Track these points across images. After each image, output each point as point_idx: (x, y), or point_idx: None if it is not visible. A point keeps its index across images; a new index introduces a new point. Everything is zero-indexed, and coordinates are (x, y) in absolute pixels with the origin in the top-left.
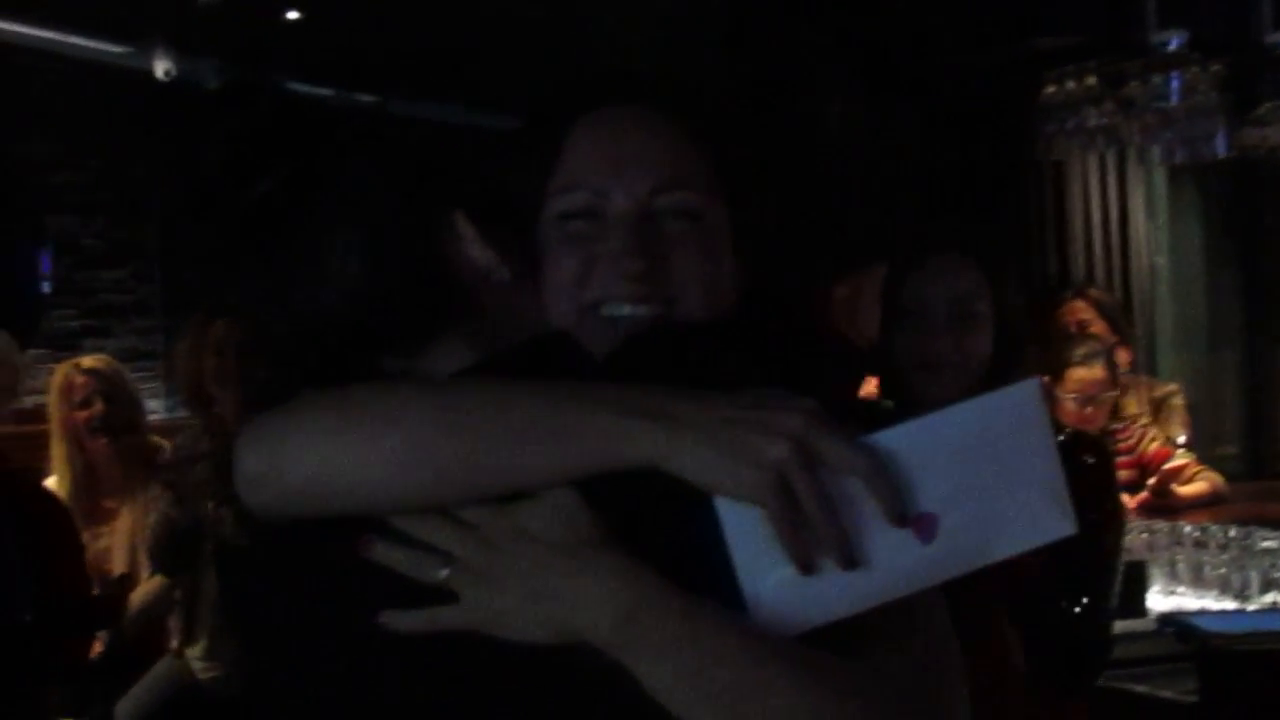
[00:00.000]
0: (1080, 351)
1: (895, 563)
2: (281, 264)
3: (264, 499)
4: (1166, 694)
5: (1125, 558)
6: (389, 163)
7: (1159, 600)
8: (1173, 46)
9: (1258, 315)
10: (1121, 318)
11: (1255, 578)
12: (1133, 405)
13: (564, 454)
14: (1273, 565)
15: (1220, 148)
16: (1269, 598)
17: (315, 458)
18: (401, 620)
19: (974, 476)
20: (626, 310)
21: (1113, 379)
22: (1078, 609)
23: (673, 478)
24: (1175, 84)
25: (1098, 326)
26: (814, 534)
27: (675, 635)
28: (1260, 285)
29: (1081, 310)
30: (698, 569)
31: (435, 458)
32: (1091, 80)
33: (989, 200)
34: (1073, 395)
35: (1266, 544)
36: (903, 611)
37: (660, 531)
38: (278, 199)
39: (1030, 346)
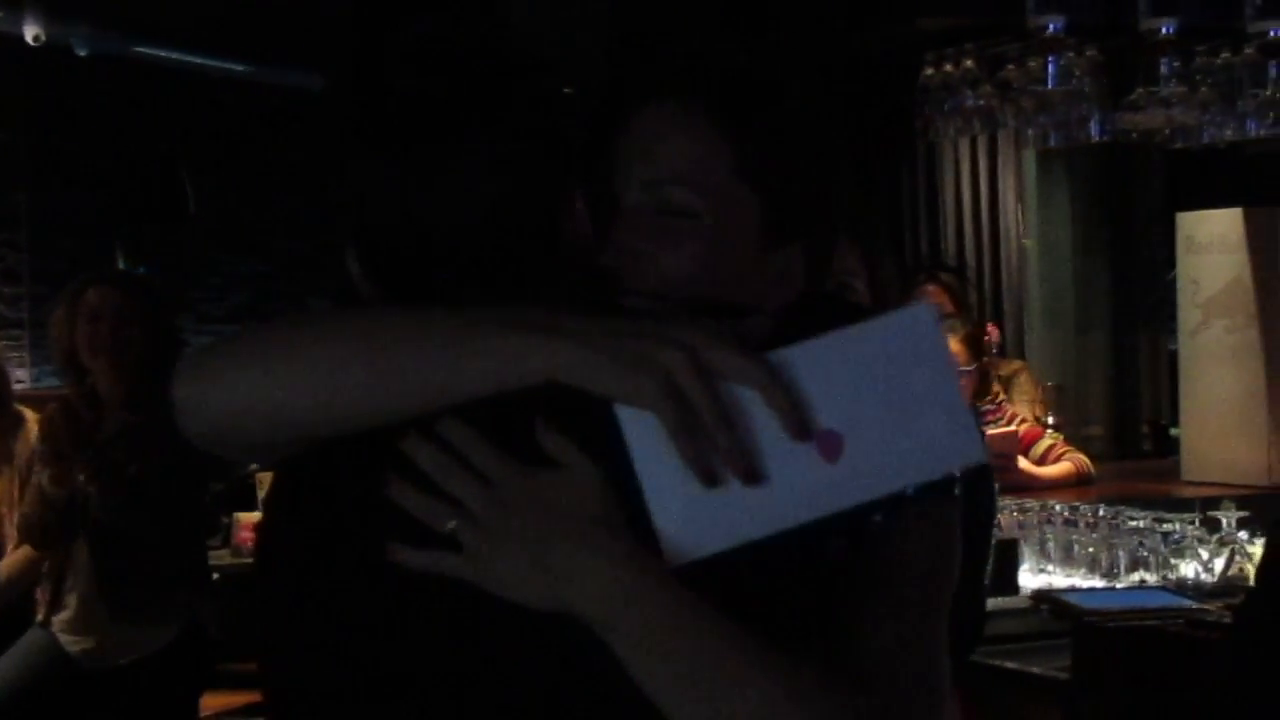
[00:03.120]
0: None
1: (801, 482)
2: (421, 167)
3: (197, 428)
4: (1038, 670)
5: (997, 536)
6: (540, 106)
7: (1029, 578)
8: (1051, 31)
9: (1125, 298)
10: (969, 300)
11: (1123, 556)
12: (1003, 368)
13: (467, 373)
14: (1140, 544)
15: (1095, 132)
16: (1136, 576)
17: (241, 384)
18: (405, 555)
19: (876, 397)
20: (637, 303)
21: (973, 355)
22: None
23: (574, 392)
24: (1052, 68)
25: (948, 310)
26: (711, 442)
27: (666, 627)
28: (1127, 268)
29: (933, 295)
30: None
31: (345, 382)
32: (969, 63)
33: (865, 180)
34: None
35: (1134, 523)
36: (893, 585)
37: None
38: (441, 103)
39: None
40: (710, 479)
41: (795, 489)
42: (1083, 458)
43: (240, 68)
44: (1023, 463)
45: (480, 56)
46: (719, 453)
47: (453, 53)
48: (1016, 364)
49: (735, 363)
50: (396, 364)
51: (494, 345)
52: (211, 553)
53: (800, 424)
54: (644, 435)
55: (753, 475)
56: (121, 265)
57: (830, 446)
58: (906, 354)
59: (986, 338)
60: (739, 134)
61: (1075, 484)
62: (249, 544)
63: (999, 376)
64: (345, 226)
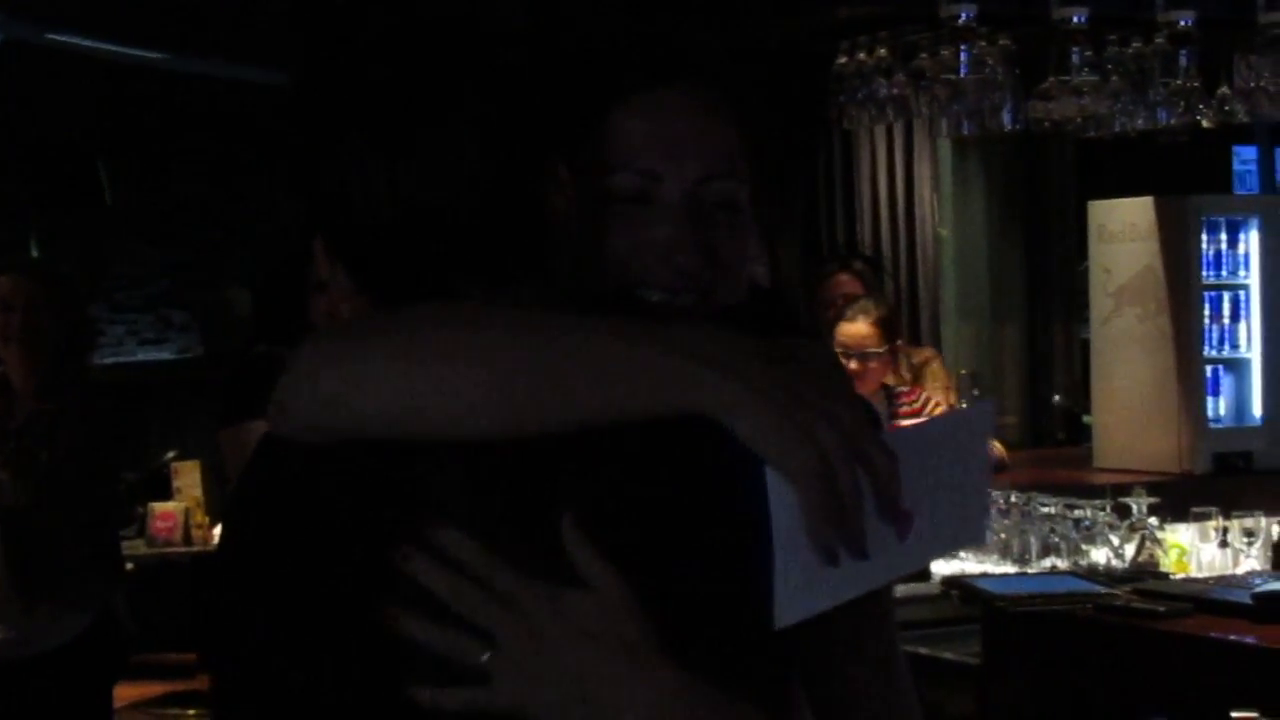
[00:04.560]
0: (848, 309)
1: (878, 557)
2: (397, 148)
3: (332, 420)
4: (949, 655)
5: None
6: (514, 79)
7: (941, 564)
8: (963, 20)
9: (1039, 287)
10: (884, 288)
11: (1035, 542)
12: (914, 355)
13: (630, 395)
14: (1052, 530)
15: (1007, 121)
16: (1048, 562)
17: (399, 383)
18: (434, 696)
19: (937, 481)
20: (658, 297)
21: (886, 338)
22: None
23: (716, 433)
24: (964, 57)
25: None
26: (844, 527)
27: None
28: (1041, 258)
29: (847, 283)
30: (737, 535)
31: (516, 393)
32: (883, 51)
33: (777, 168)
34: (840, 350)
35: (1045, 509)
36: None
37: (705, 489)
38: (419, 84)
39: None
40: (833, 559)
41: (872, 563)
42: (995, 444)
43: (156, 56)
44: None
45: (452, 31)
46: (844, 534)
47: (425, 31)
48: (927, 352)
49: (879, 454)
50: (566, 381)
51: (661, 368)
52: (125, 542)
53: (899, 512)
54: (781, 491)
55: (863, 555)
56: (35, 254)
57: (904, 526)
58: (964, 445)
59: None
60: (736, 116)
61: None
62: (163, 534)
63: (911, 364)
64: (320, 221)
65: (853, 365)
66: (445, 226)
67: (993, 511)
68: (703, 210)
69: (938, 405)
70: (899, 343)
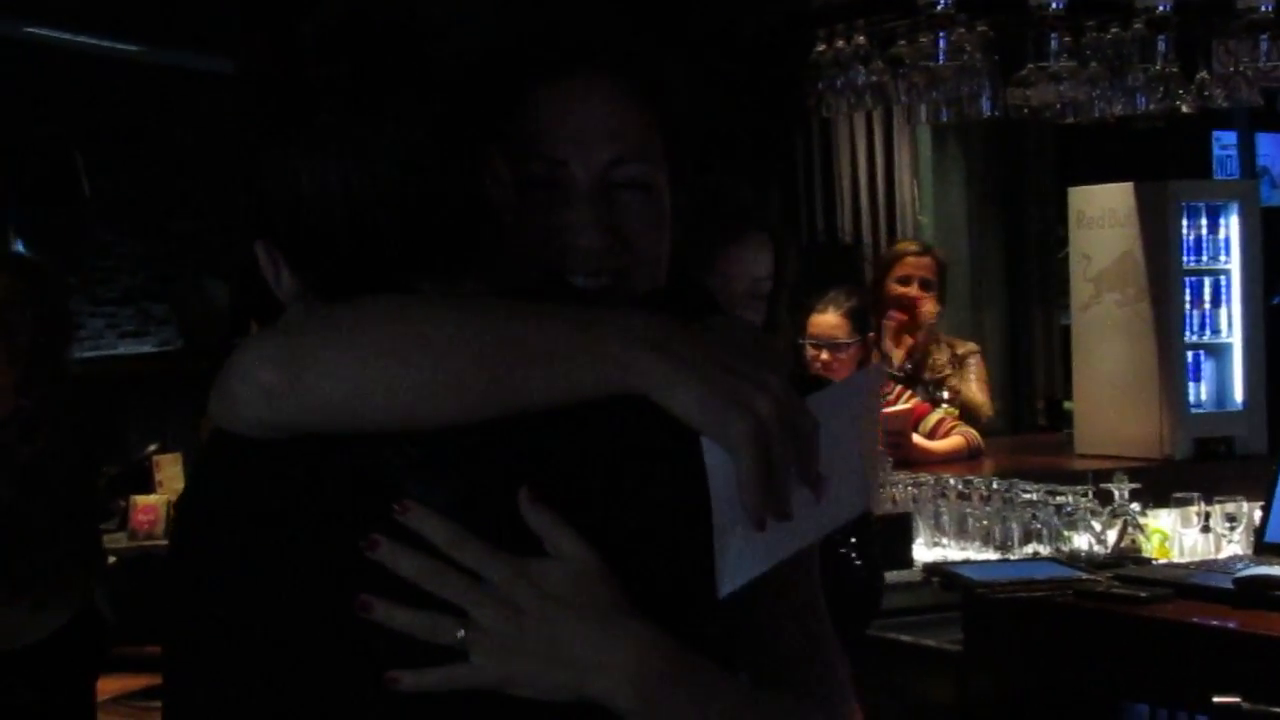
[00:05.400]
0: (819, 300)
1: (801, 521)
2: (342, 146)
3: (275, 415)
4: (931, 642)
5: (891, 510)
6: (449, 73)
7: (924, 551)
8: (940, 7)
9: (1018, 274)
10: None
11: (1016, 529)
12: (942, 357)
13: (573, 379)
14: (1033, 516)
15: (986, 107)
16: (1030, 548)
17: (346, 376)
18: (411, 678)
19: (838, 447)
20: (579, 281)
21: (856, 329)
22: (854, 555)
23: (654, 413)
24: (942, 44)
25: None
26: (775, 492)
27: (692, 706)
28: (1021, 245)
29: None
30: (676, 512)
31: (462, 383)
32: (861, 39)
33: (757, 158)
34: (810, 340)
35: (1027, 496)
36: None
37: (645, 468)
38: (360, 77)
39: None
40: (761, 525)
41: (795, 527)
42: (972, 431)
43: (133, 49)
44: (916, 438)
45: (392, 27)
46: (774, 500)
47: (365, 25)
48: (972, 345)
49: (805, 425)
50: (509, 369)
51: (598, 352)
52: (106, 536)
53: (818, 476)
54: (717, 470)
55: (787, 518)
56: (14, 248)
57: (821, 489)
58: (855, 412)
59: (925, 318)
60: (652, 100)
61: (966, 457)
62: (144, 527)
63: (954, 355)
64: (258, 217)
65: (824, 356)
66: (390, 223)
67: (974, 498)
68: (609, 194)
69: (912, 396)
70: (936, 333)
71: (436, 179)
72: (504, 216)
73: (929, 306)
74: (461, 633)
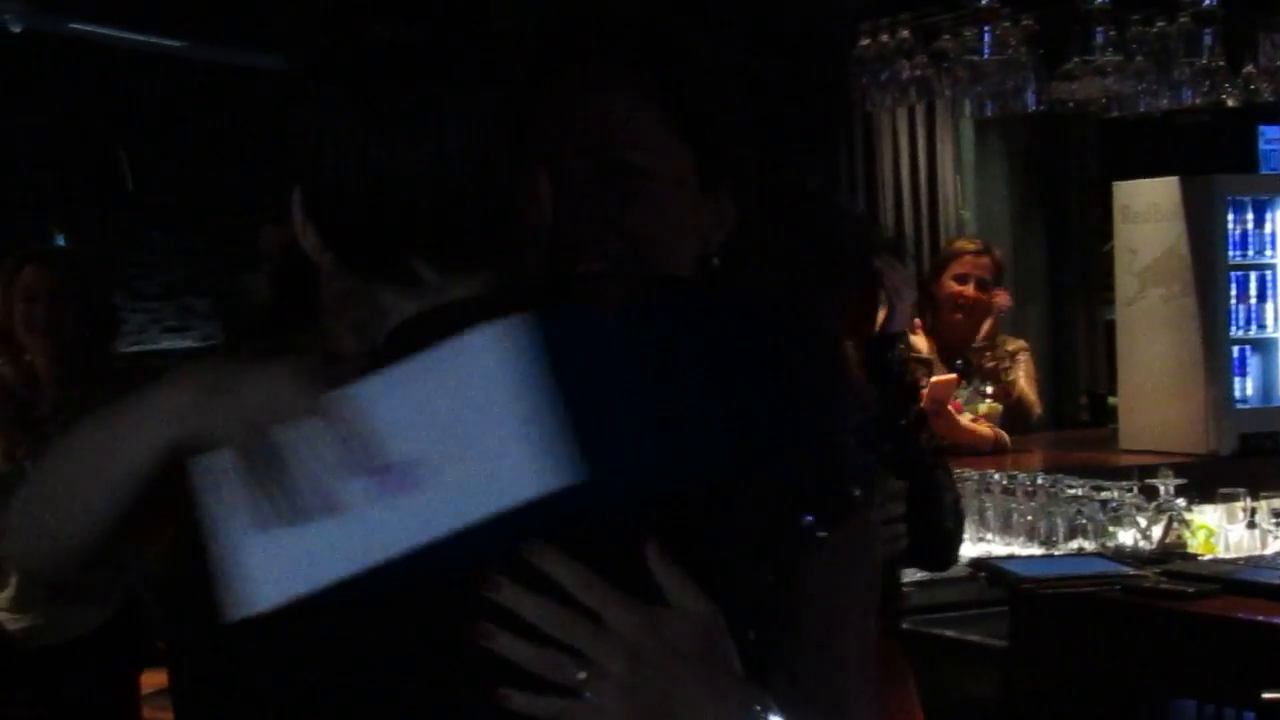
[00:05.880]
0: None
1: (377, 518)
2: (375, 112)
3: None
4: (976, 638)
5: None
6: (505, 65)
7: (969, 547)
8: (985, 1)
9: (1061, 268)
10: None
11: (1061, 524)
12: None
13: (118, 467)
14: (1078, 512)
15: (1030, 102)
16: (1074, 544)
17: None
18: (521, 700)
19: (456, 423)
20: (582, 268)
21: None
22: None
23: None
24: (987, 38)
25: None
26: (278, 484)
27: None
28: (1064, 239)
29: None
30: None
31: (46, 523)
32: (905, 33)
33: (804, 151)
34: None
35: (1072, 491)
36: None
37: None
38: (407, 51)
39: None
40: (270, 520)
41: (372, 525)
42: (1002, 432)
43: (177, 44)
44: (954, 413)
45: (457, 9)
46: (274, 493)
47: (435, 6)
48: (1021, 342)
49: (334, 416)
50: (62, 497)
51: (138, 418)
52: None
53: (364, 463)
54: (206, 481)
55: (307, 512)
56: (58, 243)
57: (400, 479)
58: (490, 376)
59: (998, 309)
60: (661, 85)
61: (988, 451)
62: None
63: (1007, 351)
64: (297, 174)
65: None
66: (407, 201)
67: (1018, 493)
68: (602, 182)
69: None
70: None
71: (460, 170)
72: (536, 235)
73: (1002, 298)
74: (584, 674)
